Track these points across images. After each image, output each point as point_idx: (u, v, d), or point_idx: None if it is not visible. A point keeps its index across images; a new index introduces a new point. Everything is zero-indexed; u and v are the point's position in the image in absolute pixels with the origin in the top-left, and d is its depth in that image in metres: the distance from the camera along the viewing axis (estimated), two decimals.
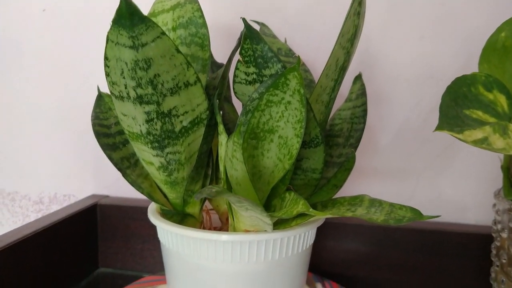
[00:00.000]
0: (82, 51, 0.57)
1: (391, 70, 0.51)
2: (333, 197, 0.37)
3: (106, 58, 0.29)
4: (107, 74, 0.30)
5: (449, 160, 0.51)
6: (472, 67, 0.49)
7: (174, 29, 0.37)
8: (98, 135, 0.36)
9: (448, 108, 0.31)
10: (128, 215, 0.55)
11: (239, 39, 0.36)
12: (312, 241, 0.36)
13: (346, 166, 0.36)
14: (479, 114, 0.32)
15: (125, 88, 0.29)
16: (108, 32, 0.27)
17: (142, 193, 0.36)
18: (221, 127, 0.32)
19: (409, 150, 0.51)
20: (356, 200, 0.33)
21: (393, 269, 0.50)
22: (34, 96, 0.58)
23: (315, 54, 0.52)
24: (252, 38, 0.31)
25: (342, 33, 0.34)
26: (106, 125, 0.37)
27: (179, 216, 0.37)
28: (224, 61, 0.53)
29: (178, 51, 0.29)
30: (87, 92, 0.56)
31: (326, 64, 0.35)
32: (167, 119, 0.31)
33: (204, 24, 0.36)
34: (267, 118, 0.32)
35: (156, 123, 0.31)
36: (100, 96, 0.39)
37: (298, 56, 0.30)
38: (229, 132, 0.38)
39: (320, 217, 0.33)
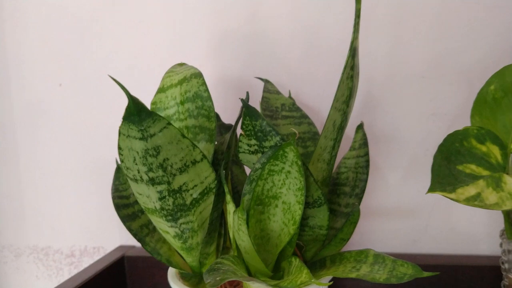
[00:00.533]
0: (103, 112, 0.61)
1: (394, 108, 0.53)
2: (342, 250, 0.39)
3: (119, 148, 0.32)
4: (122, 161, 0.33)
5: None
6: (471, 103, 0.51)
7: (182, 103, 0.40)
8: (118, 207, 0.39)
9: (440, 168, 0.33)
10: (154, 264, 0.57)
11: (241, 109, 0.39)
12: None
13: (352, 220, 0.38)
14: (472, 168, 0.34)
15: (138, 172, 0.32)
16: (119, 127, 0.31)
17: (160, 260, 0.38)
18: (228, 197, 0.35)
19: (419, 186, 0.53)
20: (362, 256, 0.35)
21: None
22: (62, 154, 0.62)
23: (320, 101, 0.54)
24: (251, 116, 0.34)
25: (337, 97, 0.36)
26: (125, 196, 0.41)
27: (196, 277, 0.39)
28: (234, 114, 0.56)
29: (184, 136, 0.32)
30: (111, 148, 0.60)
31: (324, 127, 0.37)
32: (178, 194, 0.34)
33: (209, 97, 0.39)
34: (270, 185, 0.34)
35: (168, 200, 0.34)
36: (119, 168, 0.42)
37: (294, 132, 0.32)
38: (238, 195, 0.41)
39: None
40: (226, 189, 0.35)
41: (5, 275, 0.66)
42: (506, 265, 0.39)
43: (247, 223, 0.31)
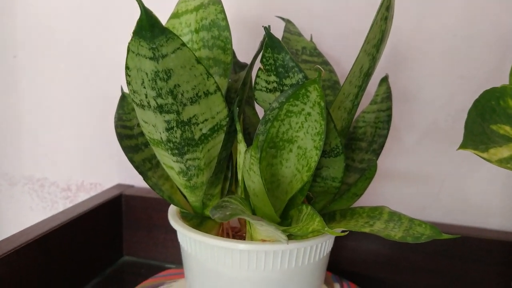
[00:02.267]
0: (110, 43, 0.57)
1: (420, 66, 0.49)
2: (353, 206, 0.37)
3: (127, 67, 0.29)
4: (128, 83, 0.30)
5: (476, 164, 0.49)
6: (504, 69, 0.47)
7: (197, 31, 0.37)
8: (121, 137, 0.37)
9: (473, 124, 0.30)
10: (152, 206, 0.56)
11: (261, 43, 0.36)
12: (329, 249, 0.36)
13: (367, 175, 0.36)
14: (507, 129, 0.31)
15: (146, 97, 0.30)
16: (129, 43, 0.28)
17: (162, 196, 0.36)
18: (240, 136, 0.32)
19: (435, 151, 0.50)
20: (376, 212, 0.33)
21: (413, 272, 0.49)
22: (64, 86, 0.60)
23: (342, 50, 0.51)
24: (273, 47, 0.30)
25: (368, 39, 0.33)
26: (129, 126, 0.38)
27: (198, 218, 0.37)
28: (248, 58, 0.52)
29: (198, 61, 0.29)
30: (117, 84, 0.57)
31: (350, 71, 0.34)
32: (186, 127, 0.31)
33: (227, 27, 0.36)
34: (286, 128, 0.32)
35: (176, 131, 0.31)
36: (123, 97, 0.40)
37: (319, 69, 0.29)
38: (249, 137, 0.38)
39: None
40: (238, 127, 0.32)
41: None
42: None
43: (260, 161, 0.29)
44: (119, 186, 0.59)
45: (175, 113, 0.30)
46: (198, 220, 0.37)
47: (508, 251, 0.46)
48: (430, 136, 0.50)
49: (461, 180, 0.50)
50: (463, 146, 0.29)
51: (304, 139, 0.31)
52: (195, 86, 0.30)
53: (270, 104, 0.33)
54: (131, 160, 0.36)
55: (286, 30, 0.44)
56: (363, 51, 0.33)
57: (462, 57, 0.48)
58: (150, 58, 0.28)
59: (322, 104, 0.29)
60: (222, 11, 0.36)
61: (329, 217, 0.36)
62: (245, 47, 0.52)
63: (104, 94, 0.58)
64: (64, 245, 0.47)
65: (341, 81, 0.51)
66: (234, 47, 0.50)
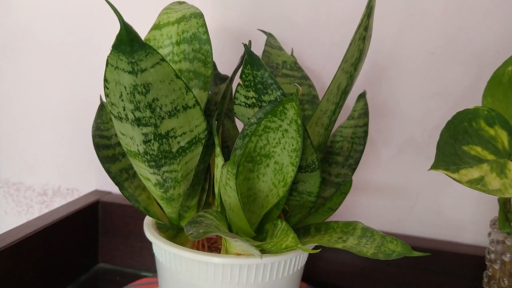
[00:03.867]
0: (89, 50, 0.57)
1: (398, 82, 0.50)
2: (328, 219, 0.37)
3: (105, 80, 0.29)
4: (107, 95, 0.30)
5: (450, 179, 0.50)
6: (479, 87, 0.49)
7: (178, 43, 0.37)
8: (98, 147, 0.36)
9: (446, 145, 0.31)
10: (129, 213, 0.55)
11: (242, 58, 0.36)
12: (303, 263, 0.37)
13: (343, 190, 0.36)
14: (478, 150, 0.32)
15: (124, 110, 0.30)
16: (108, 56, 0.28)
17: (138, 207, 0.36)
18: (218, 150, 0.32)
19: (411, 166, 0.51)
20: (349, 228, 0.34)
21: (387, 284, 0.50)
22: (44, 91, 0.59)
23: (323, 63, 0.51)
24: (252, 64, 0.31)
25: (346, 58, 0.34)
26: (106, 136, 0.38)
27: (174, 230, 0.37)
28: (230, 69, 0.52)
29: (178, 76, 0.29)
30: (98, 90, 0.56)
31: (328, 89, 0.35)
32: (164, 140, 0.31)
33: (208, 41, 0.36)
34: (264, 143, 0.32)
35: (153, 144, 0.31)
36: (102, 106, 0.40)
37: (297, 87, 0.30)
38: (227, 150, 0.38)
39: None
40: (216, 141, 0.33)
41: None
42: (492, 256, 0.38)
43: (236, 177, 0.29)
44: (96, 192, 0.58)
45: (153, 126, 0.30)
46: (174, 232, 0.37)
47: (479, 265, 0.47)
48: (407, 150, 0.51)
49: (436, 195, 0.51)
50: (435, 166, 0.30)
51: (281, 154, 0.32)
52: (173, 100, 0.30)
53: (248, 119, 0.34)
54: (108, 171, 0.36)
55: (267, 44, 0.44)
56: (341, 70, 0.34)
57: (439, 74, 0.49)
58: (129, 72, 0.28)
59: (299, 121, 0.30)
60: (204, 25, 0.36)
61: (304, 231, 0.36)
62: (227, 58, 0.52)
63: (84, 100, 0.58)
64: (39, 252, 0.46)
65: (321, 95, 0.52)
66: (216, 57, 0.51)
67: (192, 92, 0.30)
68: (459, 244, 0.50)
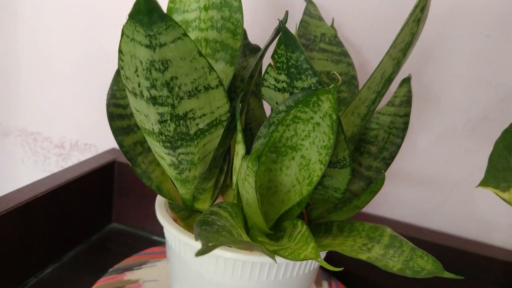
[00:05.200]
0: (111, 4, 0.53)
1: (446, 66, 0.45)
2: (353, 217, 0.35)
3: (120, 51, 0.26)
4: (121, 67, 0.27)
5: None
6: None
7: (206, 8, 0.33)
8: (112, 117, 0.34)
9: (499, 158, 0.27)
10: None
11: (275, 31, 0.32)
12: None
13: (373, 188, 0.33)
14: None
15: (139, 86, 0.26)
16: (123, 26, 0.24)
17: (150, 185, 0.34)
18: (239, 136, 0.29)
19: (448, 157, 0.47)
20: (376, 233, 0.31)
21: (405, 279, 0.48)
22: (64, 39, 0.56)
23: (364, 36, 0.47)
24: (287, 45, 0.27)
25: (396, 43, 0.29)
26: (122, 105, 0.35)
27: (187, 211, 0.35)
28: (260, 32, 0.48)
29: (201, 54, 0.26)
30: (117, 43, 0.53)
31: (371, 77, 0.31)
32: (181, 121, 0.28)
33: (239, 8, 0.32)
34: (291, 134, 0.29)
35: (169, 125, 0.28)
36: (119, 72, 0.36)
37: (336, 79, 0.26)
38: (251, 132, 0.35)
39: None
40: (238, 127, 0.29)
41: None
42: None
43: (256, 175, 0.26)
44: (113, 151, 0.57)
45: (170, 106, 0.27)
46: (187, 213, 0.35)
47: (507, 271, 0.44)
48: (445, 140, 0.47)
49: (470, 191, 0.47)
50: (484, 183, 0.26)
51: (309, 149, 0.28)
52: (194, 79, 0.27)
53: (277, 104, 0.30)
54: (120, 145, 0.33)
55: (306, 12, 0.39)
56: (388, 56, 0.30)
57: (492, 61, 0.44)
58: (146, 46, 0.24)
59: (334, 117, 0.26)
60: None
61: (325, 229, 0.34)
62: (259, 21, 0.48)
63: (105, 55, 0.54)
64: (52, 210, 0.45)
65: (359, 72, 0.47)
66: (248, 19, 0.46)
67: (215, 72, 0.27)
68: (489, 246, 0.47)
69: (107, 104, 0.34)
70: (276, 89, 0.29)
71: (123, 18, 0.52)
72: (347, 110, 0.32)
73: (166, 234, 0.34)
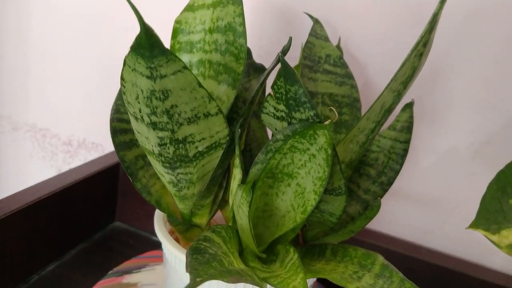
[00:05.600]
0: (123, 9, 0.54)
1: (452, 87, 0.45)
2: (347, 241, 0.35)
3: (122, 78, 0.26)
4: (124, 93, 0.27)
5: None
6: None
7: (211, 31, 0.33)
8: (115, 132, 0.34)
9: (491, 200, 0.27)
10: None
11: (277, 59, 0.32)
12: (313, 282, 0.35)
13: (368, 214, 0.33)
14: None
15: (140, 111, 0.27)
16: (125, 57, 0.25)
17: (149, 200, 0.34)
18: (237, 161, 0.30)
19: (450, 179, 0.47)
20: (368, 261, 0.31)
21: None
22: (76, 39, 0.57)
23: (370, 55, 0.47)
24: (286, 78, 0.27)
25: (396, 77, 0.30)
26: (125, 120, 0.36)
27: (185, 225, 0.36)
28: (267, 45, 0.48)
29: (200, 85, 0.26)
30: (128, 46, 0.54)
31: (370, 108, 0.31)
32: (181, 145, 0.29)
33: (243, 34, 0.32)
34: (288, 161, 0.29)
35: (168, 148, 0.29)
36: None
37: (334, 112, 0.26)
38: (250, 153, 0.36)
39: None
40: (237, 151, 0.30)
41: (0, 144, 0.64)
42: None
43: (250, 204, 0.27)
44: None
45: (169, 131, 0.28)
46: (185, 227, 0.36)
47: None
48: (447, 162, 0.47)
49: (471, 213, 0.47)
50: (474, 225, 0.26)
51: (305, 178, 0.29)
52: (194, 107, 0.27)
53: (276, 131, 0.31)
54: (122, 160, 0.34)
55: (312, 33, 0.40)
56: (388, 89, 0.30)
57: (499, 86, 0.44)
58: (147, 77, 0.25)
59: (329, 151, 0.27)
60: (241, 14, 0.32)
61: (319, 251, 0.34)
62: (267, 35, 0.48)
63: (116, 57, 0.55)
64: (57, 209, 0.46)
65: (362, 91, 0.47)
66: (256, 32, 0.46)
67: (215, 101, 0.27)
68: (487, 269, 0.47)
69: (110, 120, 0.35)
70: (275, 117, 0.30)
71: (134, 21, 0.53)
72: (346, 138, 0.33)
73: (163, 248, 0.35)
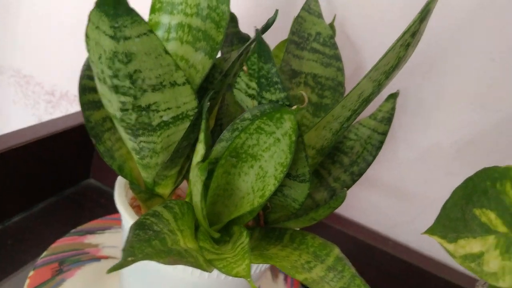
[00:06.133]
0: None
1: (444, 81, 0.44)
2: (315, 225, 0.35)
3: (86, 35, 0.25)
4: (88, 50, 0.26)
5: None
6: None
7: None
8: (84, 90, 0.33)
9: (453, 207, 0.26)
10: None
11: (257, 32, 0.31)
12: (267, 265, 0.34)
13: (332, 204, 0.32)
14: (491, 217, 0.27)
15: (102, 72, 0.26)
16: (90, 12, 0.23)
17: (111, 165, 0.34)
18: (202, 136, 0.29)
19: (427, 175, 0.46)
20: (323, 252, 0.31)
21: None
22: None
23: (367, 38, 0.45)
24: (260, 55, 0.26)
25: (377, 66, 0.28)
26: None
27: (147, 194, 0.35)
28: (260, 10, 0.47)
29: (166, 52, 0.25)
30: None
31: (346, 96, 0.30)
32: (144, 112, 0.28)
33: (227, 0, 0.31)
34: (254, 142, 0.28)
35: (131, 114, 0.28)
36: None
37: (302, 96, 0.25)
38: (220, 128, 0.35)
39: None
40: (202, 126, 0.29)
41: None
42: None
43: (204, 184, 0.26)
44: None
45: (132, 96, 0.27)
46: (146, 196, 0.35)
47: None
48: (427, 158, 0.46)
49: None
50: (431, 231, 0.26)
51: (268, 161, 0.28)
52: (159, 75, 0.26)
53: (247, 107, 0.29)
54: (87, 120, 0.33)
55: (305, 7, 0.38)
56: (368, 78, 0.29)
57: (492, 86, 0.42)
58: (111, 37, 0.23)
59: (293, 138, 0.26)
60: None
61: (278, 235, 0.34)
62: (254, 12, 0.46)
63: None
64: (31, 161, 0.46)
65: (354, 75, 0.46)
66: (253, 1, 0.44)
67: (182, 71, 0.26)
68: (451, 270, 0.47)
69: (80, 77, 0.33)
70: (247, 94, 0.29)
71: None
72: (319, 124, 0.31)
73: (121, 216, 0.34)
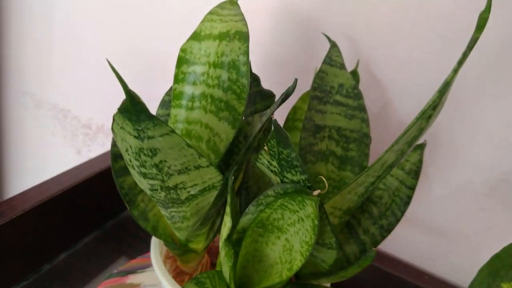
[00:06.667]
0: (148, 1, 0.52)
1: (476, 122, 0.43)
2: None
3: (112, 130, 0.26)
4: (116, 141, 0.27)
5: (498, 236, 0.45)
6: None
7: (215, 65, 0.32)
8: (115, 157, 0.34)
9: (480, 285, 0.26)
10: None
11: (274, 122, 0.29)
12: None
13: (361, 263, 0.33)
14: None
15: (130, 161, 0.27)
16: (114, 114, 0.24)
17: (145, 228, 0.35)
18: (228, 209, 0.30)
19: (460, 212, 0.46)
20: None
21: None
22: (101, 30, 0.56)
23: (393, 79, 0.44)
24: (279, 142, 0.26)
25: (399, 140, 0.28)
26: None
27: (181, 250, 0.37)
28: (284, 48, 0.47)
29: (189, 146, 0.26)
30: (153, 37, 0.53)
31: (370, 166, 0.30)
32: (172, 191, 0.29)
33: (246, 74, 0.31)
34: (278, 216, 0.29)
35: (160, 193, 0.29)
36: None
37: (323, 181, 0.25)
38: (246, 192, 0.35)
39: None
40: (228, 199, 0.30)
41: (23, 119, 0.66)
42: None
43: (236, 254, 0.27)
44: None
45: (159, 180, 0.28)
46: (181, 251, 0.37)
47: None
48: (460, 194, 0.45)
49: (475, 248, 0.46)
50: None
51: (294, 236, 0.29)
52: (184, 162, 0.27)
53: (270, 177, 0.30)
54: (121, 187, 0.34)
55: (326, 60, 0.38)
56: (391, 151, 0.28)
57: None
58: (135, 137, 0.25)
59: (316, 222, 0.26)
60: (246, 53, 0.31)
61: None
62: (283, 41, 0.46)
63: (136, 49, 0.54)
64: (72, 204, 0.48)
65: (380, 115, 0.45)
66: (276, 41, 0.44)
67: (205, 158, 0.27)
68: None
69: (112, 144, 0.35)
70: (269, 169, 0.29)
71: (155, 14, 0.51)
72: (344, 191, 0.32)
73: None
